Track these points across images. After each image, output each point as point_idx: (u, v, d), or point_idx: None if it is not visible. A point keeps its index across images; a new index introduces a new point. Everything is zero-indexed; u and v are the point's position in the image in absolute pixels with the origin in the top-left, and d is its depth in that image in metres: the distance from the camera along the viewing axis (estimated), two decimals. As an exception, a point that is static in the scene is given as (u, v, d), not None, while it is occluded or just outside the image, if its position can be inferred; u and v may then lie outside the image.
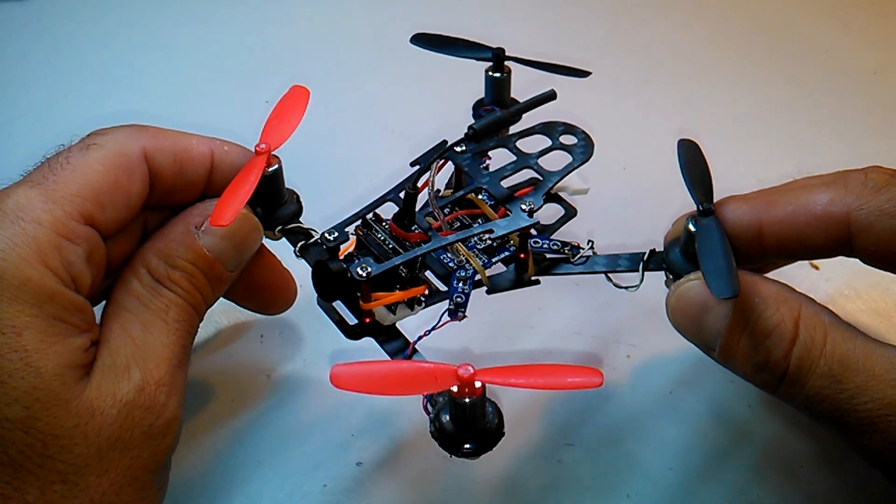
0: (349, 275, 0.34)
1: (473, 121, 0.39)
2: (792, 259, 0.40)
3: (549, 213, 0.41)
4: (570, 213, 0.41)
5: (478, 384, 0.30)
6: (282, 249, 0.39)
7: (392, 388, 0.31)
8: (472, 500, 0.38)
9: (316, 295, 0.37)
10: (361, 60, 0.68)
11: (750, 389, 0.42)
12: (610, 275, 0.38)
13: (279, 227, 0.37)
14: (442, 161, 0.39)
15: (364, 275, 0.34)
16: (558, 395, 0.41)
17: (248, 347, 0.44)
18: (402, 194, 0.37)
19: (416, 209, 0.37)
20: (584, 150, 0.39)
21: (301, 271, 0.40)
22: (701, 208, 0.34)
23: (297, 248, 0.37)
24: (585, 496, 0.38)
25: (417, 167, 0.38)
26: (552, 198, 0.41)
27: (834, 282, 0.47)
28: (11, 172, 0.33)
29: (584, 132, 0.40)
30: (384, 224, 0.37)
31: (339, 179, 0.52)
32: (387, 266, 0.35)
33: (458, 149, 0.39)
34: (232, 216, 0.33)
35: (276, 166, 0.36)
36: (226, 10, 0.73)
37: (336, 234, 0.36)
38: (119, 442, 0.30)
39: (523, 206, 0.36)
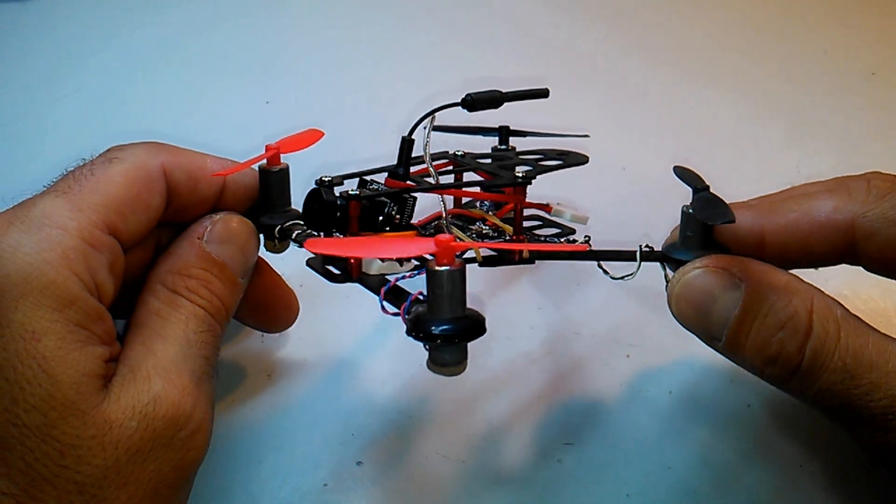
0: (339, 201, 0.35)
1: (473, 124, 0.40)
2: (792, 267, 0.39)
3: (546, 233, 0.42)
4: (568, 232, 0.41)
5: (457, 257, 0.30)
6: (283, 268, 0.40)
7: (368, 251, 0.32)
8: (471, 500, 0.38)
9: (305, 261, 0.37)
10: (361, 60, 0.68)
11: (749, 389, 0.42)
12: (605, 267, 0.37)
13: (278, 228, 0.38)
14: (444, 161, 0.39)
15: (355, 194, 0.35)
16: (558, 395, 0.42)
17: (248, 347, 0.44)
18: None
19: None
20: (577, 158, 0.41)
21: (302, 271, 0.40)
22: (697, 188, 0.34)
23: (295, 237, 0.38)
24: (585, 496, 0.38)
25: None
26: (551, 223, 0.41)
27: (833, 282, 0.47)
28: (13, 172, 0.33)
29: (577, 152, 0.42)
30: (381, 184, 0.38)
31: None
32: (376, 194, 0.36)
33: (458, 152, 0.41)
34: (230, 172, 0.35)
35: (283, 168, 0.37)
36: (226, 11, 0.73)
37: (330, 177, 0.37)
38: (139, 454, 0.30)
39: (518, 174, 0.37)
